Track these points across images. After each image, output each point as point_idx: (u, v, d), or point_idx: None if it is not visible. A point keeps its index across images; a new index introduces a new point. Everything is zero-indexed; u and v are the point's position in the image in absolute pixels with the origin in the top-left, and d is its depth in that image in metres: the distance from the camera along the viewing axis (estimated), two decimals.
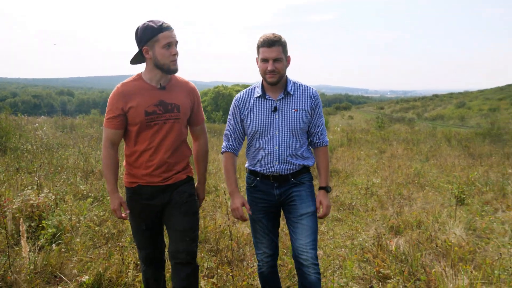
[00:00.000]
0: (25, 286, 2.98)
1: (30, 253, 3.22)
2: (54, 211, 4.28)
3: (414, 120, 43.95)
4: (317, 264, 2.62)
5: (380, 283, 3.42)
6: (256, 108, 2.69)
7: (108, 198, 5.47)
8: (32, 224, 4.00)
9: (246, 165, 2.85)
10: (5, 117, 11.51)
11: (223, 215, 5.13)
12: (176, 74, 2.65)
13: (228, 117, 2.82)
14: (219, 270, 3.41)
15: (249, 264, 3.73)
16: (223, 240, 4.20)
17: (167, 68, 2.53)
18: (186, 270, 2.56)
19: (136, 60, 2.63)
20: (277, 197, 2.72)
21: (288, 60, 2.64)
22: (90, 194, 5.56)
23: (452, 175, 8.64)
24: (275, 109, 2.65)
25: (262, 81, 2.70)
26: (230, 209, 2.80)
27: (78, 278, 3.01)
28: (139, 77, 2.61)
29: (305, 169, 2.75)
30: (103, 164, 2.62)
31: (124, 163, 2.69)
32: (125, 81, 2.62)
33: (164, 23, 2.49)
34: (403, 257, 3.78)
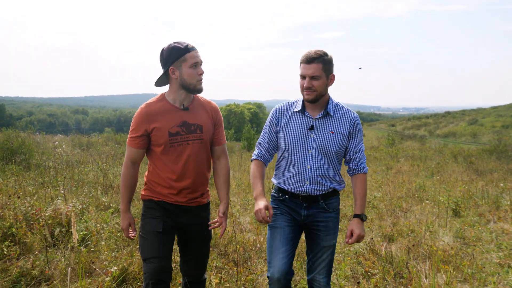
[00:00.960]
0: (61, 278, 3.49)
1: (65, 251, 3.75)
2: (81, 218, 4.81)
3: (425, 137, 44.10)
4: (328, 287, 2.63)
5: (366, 280, 3.86)
6: (292, 123, 2.63)
7: None
8: (62, 230, 4.52)
9: (275, 181, 2.76)
10: (28, 136, 12.23)
11: (231, 223, 5.60)
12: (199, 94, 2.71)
13: (264, 126, 2.75)
14: (226, 267, 3.89)
15: (252, 264, 4.19)
16: (230, 245, 4.67)
17: (193, 88, 2.58)
18: (196, 284, 2.91)
19: (160, 82, 2.67)
20: (303, 218, 2.65)
21: (331, 78, 2.55)
22: (111, 205, 6.09)
23: (453, 189, 9.00)
24: (312, 128, 2.59)
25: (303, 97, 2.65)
26: (254, 212, 2.58)
27: (108, 268, 3.51)
28: (162, 97, 2.65)
29: (334, 192, 2.68)
30: (122, 183, 2.65)
31: (146, 179, 2.72)
32: (149, 101, 2.66)
33: (190, 44, 2.56)
34: (391, 259, 4.22)
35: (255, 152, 2.77)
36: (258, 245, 4.74)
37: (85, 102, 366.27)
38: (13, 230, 4.16)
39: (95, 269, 3.68)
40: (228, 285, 3.53)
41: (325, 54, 2.48)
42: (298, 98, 2.67)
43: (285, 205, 2.68)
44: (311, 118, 2.59)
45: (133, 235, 2.68)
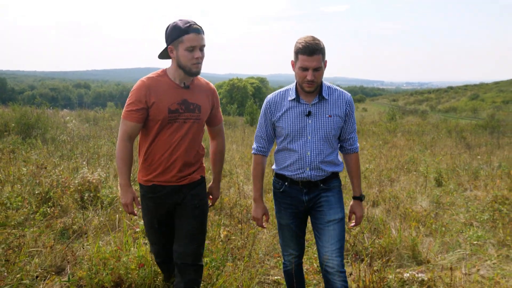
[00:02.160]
0: (95, 232, 4.25)
1: (94, 212, 4.50)
2: (105, 185, 5.55)
3: (427, 113, 44.54)
4: (344, 272, 2.56)
5: (348, 234, 4.60)
6: (289, 112, 2.60)
7: None
8: (91, 195, 5.25)
9: (274, 167, 2.79)
10: (42, 111, 12.89)
11: (236, 191, 6.33)
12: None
13: (260, 118, 2.74)
14: (231, 223, 4.65)
15: (254, 222, 4.93)
16: (235, 208, 5.40)
17: (189, 70, 2.52)
18: (192, 270, 2.62)
19: (163, 55, 2.63)
20: (306, 203, 2.67)
21: (325, 65, 2.51)
22: None
23: (440, 162, 9.70)
24: (309, 114, 2.57)
25: (296, 84, 2.62)
26: (251, 215, 2.87)
27: (138, 222, 4.25)
28: (164, 73, 2.60)
29: (334, 175, 2.71)
30: (118, 157, 2.55)
31: (139, 159, 2.69)
32: (150, 75, 2.60)
33: (193, 24, 2.45)
34: (372, 219, 4.95)
35: (255, 146, 2.79)
36: None
37: (87, 76, 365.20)
38: (51, 194, 4.90)
39: (132, 219, 4.42)
40: (233, 237, 4.28)
41: (320, 42, 2.43)
42: (290, 86, 2.68)
43: (286, 196, 2.71)
44: (307, 104, 2.58)
45: (136, 211, 2.71)
